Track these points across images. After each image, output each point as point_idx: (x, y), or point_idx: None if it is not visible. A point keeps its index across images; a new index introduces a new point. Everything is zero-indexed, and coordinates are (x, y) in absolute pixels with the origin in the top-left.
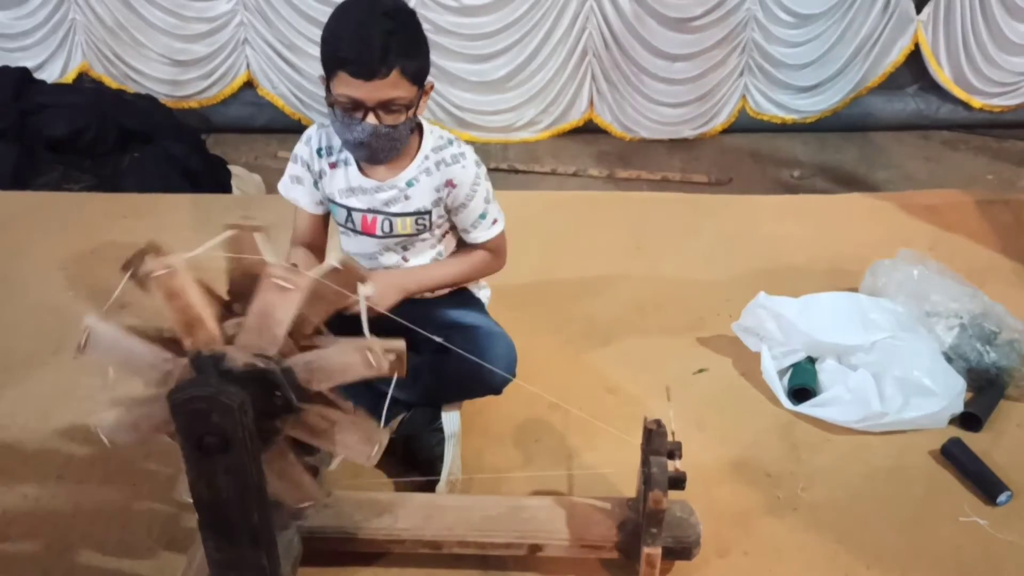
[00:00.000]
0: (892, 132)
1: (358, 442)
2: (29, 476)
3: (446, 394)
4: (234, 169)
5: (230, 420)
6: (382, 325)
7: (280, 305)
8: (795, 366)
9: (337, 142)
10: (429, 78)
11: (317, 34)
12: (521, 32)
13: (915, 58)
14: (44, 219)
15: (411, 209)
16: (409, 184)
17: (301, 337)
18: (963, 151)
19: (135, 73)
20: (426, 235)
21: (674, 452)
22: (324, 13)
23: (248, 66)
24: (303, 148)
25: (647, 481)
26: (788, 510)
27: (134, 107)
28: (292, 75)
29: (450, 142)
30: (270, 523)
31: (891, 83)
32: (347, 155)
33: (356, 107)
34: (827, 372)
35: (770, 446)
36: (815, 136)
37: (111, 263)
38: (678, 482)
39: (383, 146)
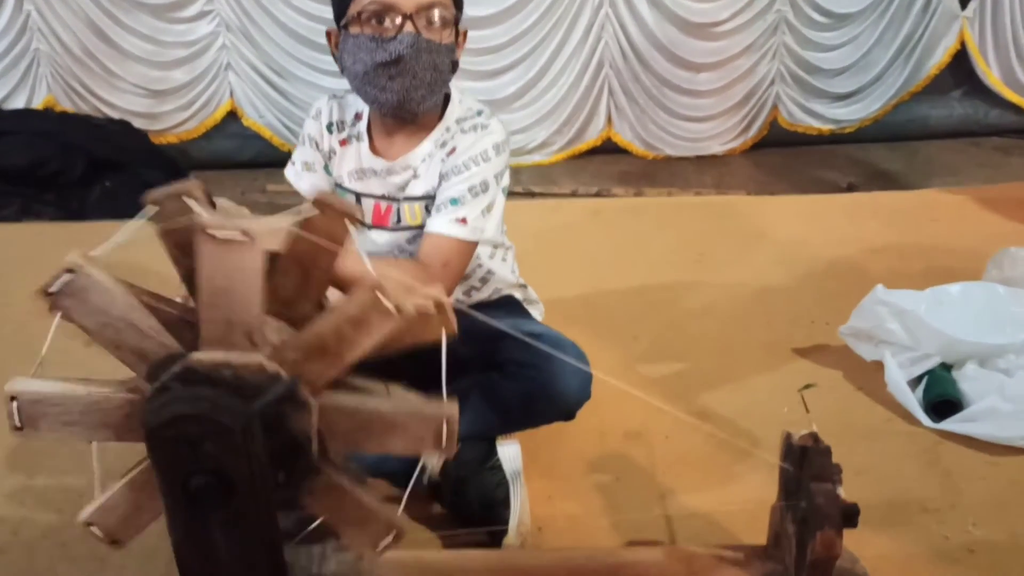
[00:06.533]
0: (938, 140)
1: (371, 525)
2: None
3: (503, 422)
4: (220, 200)
5: (230, 450)
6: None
7: (372, 331)
8: (929, 374)
9: (350, 115)
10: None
11: (308, 56)
12: (531, 45)
13: (961, 59)
14: (4, 252)
15: (419, 192)
16: (423, 161)
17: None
18: (1019, 156)
19: (106, 106)
20: None
21: (835, 478)
22: (314, 31)
23: (232, 94)
24: (312, 125)
25: (807, 518)
26: (963, 553)
27: (104, 133)
28: (281, 102)
29: (479, 113)
30: None
31: (935, 87)
32: (360, 129)
33: (388, 12)
34: (970, 380)
35: (917, 474)
36: (856, 147)
37: None
38: (850, 517)
39: (424, 72)
